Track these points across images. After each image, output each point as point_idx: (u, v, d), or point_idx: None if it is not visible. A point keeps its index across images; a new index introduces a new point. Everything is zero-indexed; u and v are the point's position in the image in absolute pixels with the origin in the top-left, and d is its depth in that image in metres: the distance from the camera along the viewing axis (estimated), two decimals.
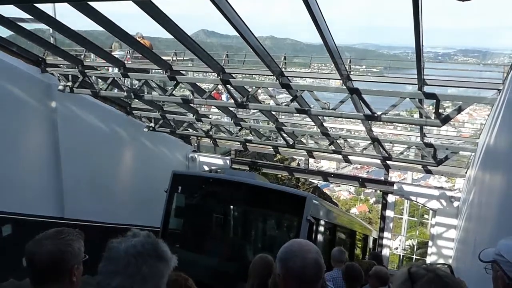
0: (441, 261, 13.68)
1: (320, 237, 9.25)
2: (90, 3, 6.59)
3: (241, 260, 8.65)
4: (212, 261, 8.86)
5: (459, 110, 7.93)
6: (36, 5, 7.36)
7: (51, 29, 10.16)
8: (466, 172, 12.72)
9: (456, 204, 13.49)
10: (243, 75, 10.87)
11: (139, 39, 11.90)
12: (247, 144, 15.12)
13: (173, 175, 9.14)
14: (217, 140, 15.82)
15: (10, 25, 8.82)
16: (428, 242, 15.68)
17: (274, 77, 8.68)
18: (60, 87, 11.07)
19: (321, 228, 9.43)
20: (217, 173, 10.14)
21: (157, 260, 1.79)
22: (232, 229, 9.68)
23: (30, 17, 8.16)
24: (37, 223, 9.91)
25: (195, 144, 17.35)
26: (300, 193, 8.69)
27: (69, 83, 11.12)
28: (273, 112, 11.96)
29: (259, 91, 10.70)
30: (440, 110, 8.23)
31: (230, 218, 9.60)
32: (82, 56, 10.86)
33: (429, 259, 14.73)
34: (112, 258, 1.76)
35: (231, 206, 9.41)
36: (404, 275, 1.85)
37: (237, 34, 6.93)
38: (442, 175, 15.41)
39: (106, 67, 11.50)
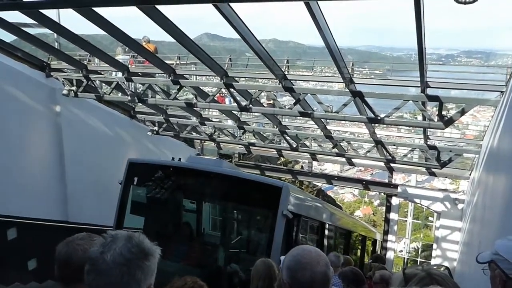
0: (446, 263, 13.63)
1: (302, 237, 8.14)
2: (94, 8, 6.65)
3: (207, 264, 7.56)
4: (170, 266, 7.04)
5: (463, 112, 7.93)
6: (41, 10, 7.43)
7: (55, 34, 10.23)
8: (470, 174, 12.68)
9: (460, 206, 13.45)
10: (246, 78, 10.90)
11: (145, 43, 11.98)
12: (251, 147, 15.13)
13: (129, 163, 7.73)
14: (220, 143, 15.84)
15: (14, 30, 8.89)
16: (432, 244, 15.64)
17: (277, 80, 8.71)
18: (65, 92, 11.15)
19: (304, 226, 8.35)
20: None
21: (146, 260, 1.78)
22: (196, 228, 8.10)
23: (34, 22, 8.24)
24: (41, 226, 9.96)
25: (199, 148, 17.39)
26: (275, 182, 7.10)
27: (74, 88, 11.18)
28: (277, 115, 11.98)
29: (262, 93, 10.72)
30: (443, 112, 8.24)
31: (194, 214, 8.18)
32: (86, 61, 10.94)
33: (433, 262, 14.67)
34: (101, 271, 1.70)
35: (194, 200, 8.09)
36: (400, 276, 1.89)
37: (240, 37, 6.98)
38: (446, 177, 15.37)
39: (110, 72, 11.56)
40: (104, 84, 11.88)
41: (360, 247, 15.94)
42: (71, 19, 9.98)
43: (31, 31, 9.42)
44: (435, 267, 1.97)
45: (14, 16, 8.54)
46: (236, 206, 7.78)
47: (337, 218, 12.03)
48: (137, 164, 7.93)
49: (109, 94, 11.38)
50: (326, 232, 10.19)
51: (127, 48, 10.95)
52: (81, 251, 2.20)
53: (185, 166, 7.58)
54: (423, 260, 18.45)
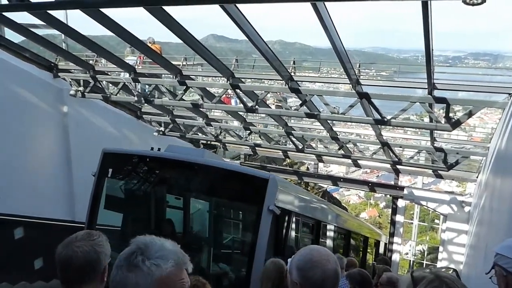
0: (452, 266, 13.56)
1: (292, 236, 7.20)
2: (101, 9, 6.70)
3: None
4: None
5: (470, 114, 7.89)
6: (49, 11, 7.48)
7: (63, 35, 10.30)
8: (477, 177, 12.60)
9: (467, 209, 13.37)
10: (252, 79, 10.91)
11: (150, 44, 12.02)
12: (257, 148, 15.14)
13: (104, 154, 7.03)
14: (226, 144, 15.86)
15: (23, 31, 8.96)
16: (438, 247, 15.55)
17: (283, 81, 8.71)
18: (72, 92, 11.22)
19: (297, 225, 7.48)
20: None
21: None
22: (172, 225, 7.12)
23: (42, 23, 8.30)
24: (48, 226, 10.01)
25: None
26: (261, 173, 6.23)
27: (81, 88, 11.26)
28: (283, 117, 11.98)
29: (269, 95, 10.73)
30: (450, 114, 8.19)
31: (171, 209, 7.27)
32: (93, 61, 11.01)
33: (439, 264, 14.60)
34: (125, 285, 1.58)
35: (172, 193, 7.17)
36: (408, 279, 1.89)
37: (246, 38, 6.99)
38: (452, 179, 15.28)
39: (117, 72, 11.62)
40: (110, 85, 11.94)
41: (361, 248, 15.31)
42: (78, 19, 10.05)
43: (39, 31, 9.50)
44: (443, 270, 1.97)
45: (22, 17, 8.63)
46: (218, 201, 6.86)
47: (336, 217, 11.28)
48: (113, 154, 7.13)
49: (116, 95, 11.44)
50: (323, 232, 9.45)
51: (135, 49, 11.02)
52: (81, 253, 2.19)
53: (162, 156, 6.78)
54: (429, 263, 18.37)
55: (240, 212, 7.12)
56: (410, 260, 19.44)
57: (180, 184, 6.91)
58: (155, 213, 7.25)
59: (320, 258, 2.24)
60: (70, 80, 11.38)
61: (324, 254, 2.29)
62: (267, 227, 5.68)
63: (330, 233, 10.43)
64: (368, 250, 16.06)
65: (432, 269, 1.89)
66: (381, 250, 17.14)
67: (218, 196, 6.67)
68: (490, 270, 2.54)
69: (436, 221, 21.45)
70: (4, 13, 7.93)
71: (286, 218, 6.48)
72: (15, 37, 10.28)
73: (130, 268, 1.56)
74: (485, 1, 3.85)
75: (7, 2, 6.83)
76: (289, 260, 2.47)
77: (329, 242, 10.28)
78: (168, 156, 6.70)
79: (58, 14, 8.42)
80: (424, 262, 19.28)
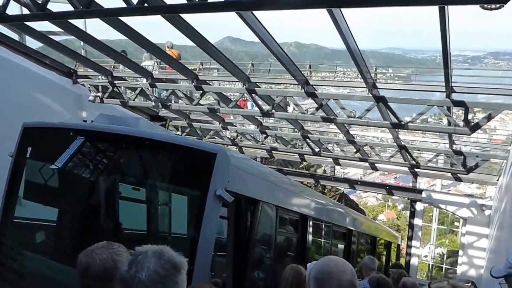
0: (472, 271, 13.34)
1: (258, 232, 5.39)
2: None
3: None
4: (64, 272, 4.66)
5: (489, 117, 7.77)
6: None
7: (81, 42, 10.50)
8: (497, 180, 12.39)
9: (487, 212, 13.13)
10: (269, 84, 10.93)
11: (168, 49, 12.15)
12: (273, 151, 15.15)
13: (24, 129, 5.40)
14: (243, 148, 15.92)
15: (42, 39, 9.16)
16: (458, 251, 15.30)
17: (299, 85, 8.72)
18: (91, 98, 11.42)
19: (261, 216, 5.34)
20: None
21: (179, 274, 1.83)
22: (105, 215, 5.44)
23: (61, 30, 8.47)
24: None
25: None
26: (207, 146, 4.50)
27: (99, 94, 11.45)
28: (299, 120, 11.97)
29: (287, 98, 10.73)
30: (469, 115, 8.07)
31: (101, 195, 5.44)
32: (111, 67, 11.18)
33: (459, 269, 14.37)
34: None
35: (101, 175, 5.38)
36: None
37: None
38: (472, 182, 15.04)
39: (134, 78, 11.78)
40: (128, 90, 12.11)
41: (365, 251, 13.10)
42: (96, 25, 10.22)
43: (58, 38, 9.70)
44: (460, 283, 1.97)
45: (41, 24, 8.83)
46: (153, 184, 5.14)
47: (331, 211, 9.33)
48: (34, 129, 5.51)
49: (133, 100, 11.59)
50: (313, 229, 7.60)
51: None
52: (99, 260, 2.24)
53: (86, 128, 5.33)
54: (448, 267, 18.07)
55: (182, 198, 5.09)
56: (429, 264, 19.16)
57: (106, 162, 5.41)
58: (81, 201, 5.56)
59: (337, 269, 2.26)
60: (88, 86, 11.59)
61: (341, 265, 2.31)
62: (214, 218, 4.20)
63: (319, 231, 8.38)
64: (377, 253, 15.14)
65: (450, 281, 1.90)
66: (391, 252, 16.57)
67: (152, 177, 5.09)
68: (503, 277, 2.50)
69: (456, 223, 21.12)
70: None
71: (244, 207, 4.84)
72: (33, 44, 10.51)
73: None
74: (503, 6, 3.81)
75: (28, 12, 7.03)
76: (308, 266, 2.50)
77: (317, 242, 8.39)
78: (92, 128, 5.23)
79: (77, 21, 8.59)
80: (444, 266, 18.96)
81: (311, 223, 7.26)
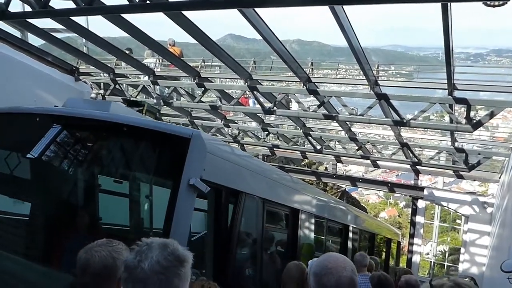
0: (474, 268, 13.34)
1: (242, 227, 4.90)
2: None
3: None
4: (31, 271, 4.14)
5: (492, 115, 7.75)
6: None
7: (84, 39, 10.50)
8: (499, 177, 12.37)
9: (489, 210, 13.13)
10: (271, 81, 10.93)
11: (170, 46, 12.15)
12: (275, 149, 15.16)
13: None
14: (244, 145, 15.92)
15: (45, 36, 9.17)
16: (460, 248, 15.30)
17: (301, 83, 8.71)
18: (93, 95, 11.42)
19: (245, 210, 4.86)
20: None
21: (182, 266, 1.83)
22: (69, 205, 4.81)
23: (63, 27, 8.47)
24: None
25: None
26: (180, 130, 4.09)
27: (101, 91, 11.46)
28: (301, 118, 11.97)
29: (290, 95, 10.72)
30: (472, 112, 8.06)
31: (70, 185, 4.85)
32: (113, 64, 11.19)
33: (461, 266, 14.37)
34: (139, 279, 1.75)
35: (69, 164, 4.88)
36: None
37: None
38: (474, 180, 15.02)
39: (136, 75, 11.79)
40: (130, 87, 12.12)
41: (363, 248, 12.06)
42: (98, 22, 10.22)
43: (60, 35, 9.70)
44: (461, 279, 1.98)
45: (43, 22, 8.84)
46: (121, 171, 4.66)
47: (325, 206, 8.89)
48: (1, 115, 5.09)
49: (135, 97, 11.59)
50: (306, 224, 7.25)
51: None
52: (98, 257, 2.23)
53: (49, 113, 4.85)
54: (450, 264, 18.08)
55: (152, 189, 4.40)
56: (431, 261, 19.16)
57: (70, 149, 4.90)
58: (43, 189, 5.04)
59: (336, 265, 2.26)
60: (91, 83, 11.60)
61: (341, 261, 2.31)
62: (188, 211, 3.79)
63: (311, 226, 7.69)
64: (376, 250, 14.73)
65: (451, 278, 1.91)
66: (391, 248, 16.49)
67: (120, 165, 4.71)
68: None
69: (458, 221, 21.09)
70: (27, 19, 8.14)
71: (222, 197, 4.36)
72: (36, 41, 10.50)
73: None
74: (506, 3, 3.79)
75: (30, 9, 7.04)
76: (309, 262, 2.50)
77: (308, 237, 7.68)
78: (60, 112, 4.78)
79: (79, 18, 8.58)
80: (445, 263, 18.98)
81: (303, 217, 6.82)
